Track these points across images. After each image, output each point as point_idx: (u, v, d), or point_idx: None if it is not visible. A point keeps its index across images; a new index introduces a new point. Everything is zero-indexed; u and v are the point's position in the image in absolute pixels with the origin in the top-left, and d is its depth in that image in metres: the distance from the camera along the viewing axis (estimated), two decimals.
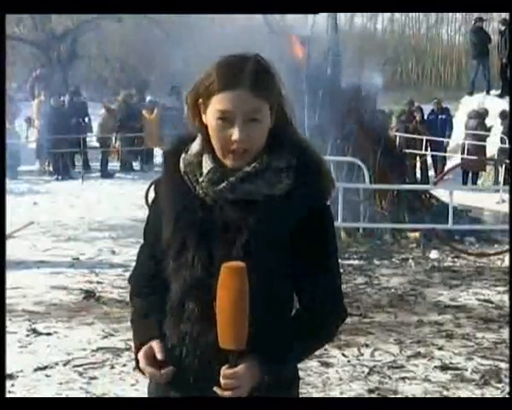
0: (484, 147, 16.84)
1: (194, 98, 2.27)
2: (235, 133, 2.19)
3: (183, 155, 2.32)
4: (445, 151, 17.74)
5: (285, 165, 2.25)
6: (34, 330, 6.46)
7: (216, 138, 2.22)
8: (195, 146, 2.31)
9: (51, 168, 17.39)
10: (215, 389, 2.16)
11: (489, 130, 17.11)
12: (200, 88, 2.25)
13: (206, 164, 2.27)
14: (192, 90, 2.28)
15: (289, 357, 2.26)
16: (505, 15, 18.38)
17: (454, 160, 17.18)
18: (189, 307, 2.26)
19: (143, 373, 2.32)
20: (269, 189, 2.23)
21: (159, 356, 2.27)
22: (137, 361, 2.33)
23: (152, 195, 2.44)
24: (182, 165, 2.30)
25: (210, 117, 2.23)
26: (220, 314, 2.13)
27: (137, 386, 5.20)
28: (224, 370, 2.15)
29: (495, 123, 17.09)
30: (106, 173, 17.22)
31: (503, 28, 18.68)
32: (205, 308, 2.22)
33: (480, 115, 17.29)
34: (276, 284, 2.23)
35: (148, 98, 18.99)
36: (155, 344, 2.28)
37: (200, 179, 2.26)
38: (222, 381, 2.15)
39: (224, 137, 2.21)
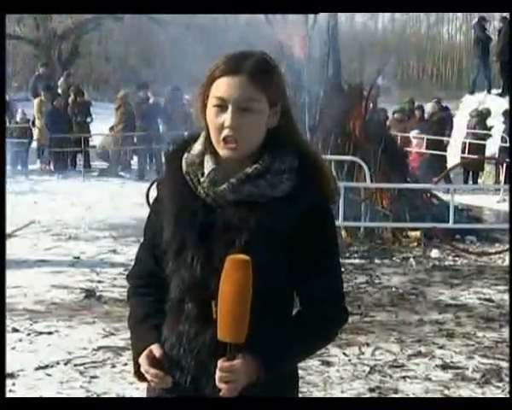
0: (483, 146, 16.83)
1: (203, 94, 2.27)
2: (227, 119, 2.19)
3: (185, 155, 2.31)
4: (445, 150, 17.74)
5: (287, 166, 2.25)
6: (35, 330, 6.46)
7: (211, 126, 2.23)
8: (198, 146, 2.31)
9: (52, 167, 17.37)
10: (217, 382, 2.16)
11: (489, 129, 17.11)
12: (206, 81, 2.26)
13: (208, 164, 2.26)
14: (198, 88, 2.29)
15: (288, 357, 2.25)
16: (505, 15, 18.37)
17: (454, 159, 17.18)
18: (188, 307, 2.26)
19: (143, 379, 2.31)
20: (270, 190, 2.22)
21: (157, 355, 2.26)
22: (137, 367, 2.31)
23: (153, 193, 2.45)
24: (184, 165, 2.30)
25: (209, 106, 2.23)
26: (221, 306, 2.12)
27: (138, 385, 5.20)
28: (221, 362, 2.14)
29: (496, 122, 17.08)
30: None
31: (501, 25, 18.68)
32: (203, 309, 2.23)
33: (481, 115, 17.29)
34: (275, 284, 2.23)
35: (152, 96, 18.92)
36: (154, 347, 2.28)
37: (202, 180, 2.26)
38: (218, 374, 2.14)
39: (217, 124, 2.21)
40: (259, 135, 2.24)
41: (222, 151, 2.23)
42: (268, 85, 2.22)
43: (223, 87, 2.20)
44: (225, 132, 2.20)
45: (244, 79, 2.19)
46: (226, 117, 2.19)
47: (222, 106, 2.20)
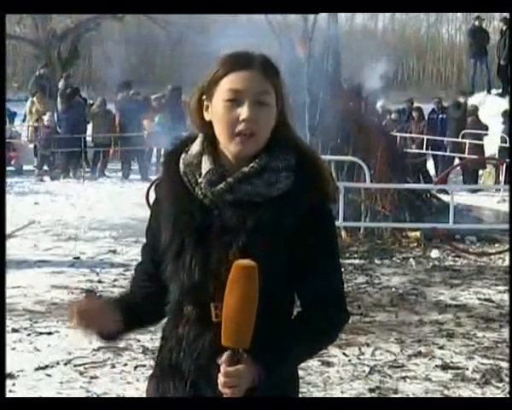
0: (482, 145, 16.83)
1: (198, 95, 2.27)
2: (244, 112, 2.17)
3: (183, 156, 2.30)
4: (446, 151, 17.74)
5: (284, 164, 2.24)
6: (35, 330, 6.46)
7: (223, 121, 2.20)
8: (195, 147, 2.30)
9: (52, 168, 17.33)
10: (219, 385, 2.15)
11: (486, 128, 17.12)
12: (204, 83, 2.25)
13: (205, 165, 2.25)
14: (195, 88, 2.28)
15: (288, 358, 2.23)
16: (505, 15, 18.36)
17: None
18: (187, 310, 2.26)
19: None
20: (267, 190, 2.21)
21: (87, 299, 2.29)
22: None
23: (153, 194, 2.44)
24: (181, 166, 2.29)
25: (217, 102, 2.21)
26: (227, 312, 2.10)
27: (138, 385, 5.21)
28: (226, 368, 2.12)
29: (496, 121, 17.07)
30: (101, 174, 17.14)
31: (504, 28, 18.66)
32: (202, 311, 2.22)
33: (472, 113, 17.28)
34: (274, 285, 2.21)
35: (153, 96, 18.90)
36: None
37: (199, 180, 2.25)
38: (222, 379, 2.12)
39: (231, 119, 2.19)
40: (270, 130, 2.24)
41: (236, 146, 2.21)
42: (276, 80, 2.24)
43: (236, 81, 2.19)
44: (242, 126, 2.18)
45: (256, 72, 2.20)
46: (242, 110, 2.18)
47: (235, 100, 2.19)
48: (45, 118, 17.21)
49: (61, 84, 19.49)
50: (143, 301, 2.38)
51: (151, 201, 2.72)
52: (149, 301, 2.37)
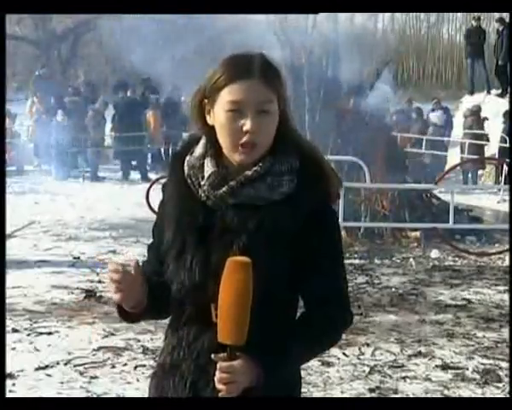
0: (482, 145, 16.84)
1: (199, 99, 2.26)
2: (248, 124, 2.16)
3: (187, 158, 2.30)
4: (445, 150, 17.76)
5: (287, 168, 2.23)
6: (35, 330, 6.46)
7: (226, 131, 2.19)
8: (199, 149, 2.30)
9: (51, 168, 17.32)
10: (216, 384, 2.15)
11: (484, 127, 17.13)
12: (205, 87, 2.24)
13: (208, 168, 2.25)
14: (197, 91, 2.27)
15: (289, 359, 2.23)
16: (503, 15, 18.38)
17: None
18: (187, 309, 2.26)
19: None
20: (270, 193, 2.21)
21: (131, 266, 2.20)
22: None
23: (153, 194, 2.45)
24: (186, 167, 2.29)
25: (219, 111, 2.20)
26: (221, 308, 2.11)
27: (138, 385, 5.21)
28: (221, 363, 2.13)
29: (496, 122, 17.08)
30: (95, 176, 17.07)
31: (501, 28, 18.68)
32: (201, 311, 2.22)
33: (474, 113, 17.29)
34: (276, 286, 2.21)
35: (152, 96, 18.92)
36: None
37: (202, 183, 2.25)
38: (217, 374, 2.13)
39: (234, 129, 2.18)
40: (273, 135, 2.23)
41: (239, 157, 2.20)
42: (278, 86, 2.22)
43: (237, 92, 2.17)
44: (246, 138, 2.17)
45: (257, 81, 2.18)
46: (246, 122, 2.17)
47: (238, 110, 2.18)
48: (58, 115, 17.16)
49: (80, 81, 19.67)
50: (158, 286, 2.31)
51: (151, 200, 2.72)
52: (163, 287, 2.31)
